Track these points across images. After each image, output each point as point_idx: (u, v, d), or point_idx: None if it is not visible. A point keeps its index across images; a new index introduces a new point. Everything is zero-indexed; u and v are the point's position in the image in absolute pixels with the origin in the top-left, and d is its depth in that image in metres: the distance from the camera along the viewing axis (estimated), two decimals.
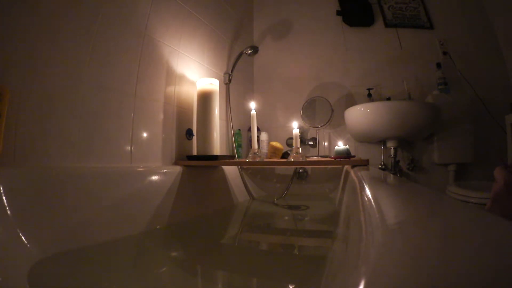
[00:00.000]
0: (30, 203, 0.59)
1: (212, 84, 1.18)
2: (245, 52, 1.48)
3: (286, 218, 1.18)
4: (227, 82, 1.49)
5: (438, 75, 1.49)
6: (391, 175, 0.81)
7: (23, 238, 0.54)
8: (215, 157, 1.11)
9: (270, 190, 1.64)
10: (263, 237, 0.92)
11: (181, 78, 1.19)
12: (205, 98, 1.16)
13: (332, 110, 1.57)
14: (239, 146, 1.58)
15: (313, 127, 1.65)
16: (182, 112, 1.18)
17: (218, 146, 1.18)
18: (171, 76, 1.13)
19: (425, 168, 1.55)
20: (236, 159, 1.32)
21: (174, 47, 1.16)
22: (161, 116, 1.07)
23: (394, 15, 1.68)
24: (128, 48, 0.95)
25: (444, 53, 1.56)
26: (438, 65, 1.51)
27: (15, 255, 0.51)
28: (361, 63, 1.71)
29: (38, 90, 0.69)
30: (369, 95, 1.60)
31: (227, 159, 1.17)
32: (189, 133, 1.21)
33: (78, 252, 0.61)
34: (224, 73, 1.52)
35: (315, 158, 1.35)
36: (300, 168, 1.65)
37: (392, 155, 1.42)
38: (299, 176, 1.66)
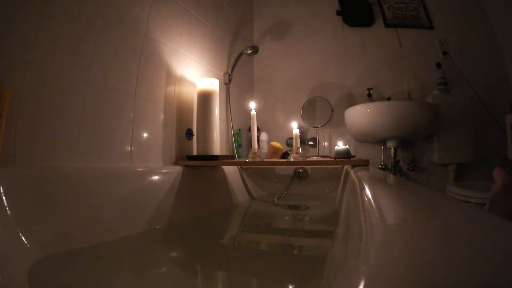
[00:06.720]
0: (30, 203, 0.59)
1: (212, 84, 1.18)
2: (245, 52, 1.48)
3: (286, 218, 1.18)
4: (227, 82, 1.49)
5: (438, 75, 1.49)
6: (391, 175, 0.81)
7: (23, 238, 0.54)
8: (215, 157, 1.11)
9: (270, 190, 1.64)
10: (263, 237, 0.92)
11: (181, 78, 1.19)
12: (205, 98, 1.16)
13: (332, 110, 1.57)
14: (239, 146, 1.58)
15: (313, 127, 1.65)
16: (182, 112, 1.18)
17: (218, 146, 1.18)
18: (171, 76, 1.13)
19: (425, 168, 1.55)
20: (236, 159, 1.32)
21: (174, 47, 1.16)
22: (161, 116, 1.07)
23: (394, 15, 1.68)
24: (128, 48, 0.95)
25: (444, 53, 1.56)
26: (438, 65, 1.51)
27: (15, 255, 0.51)
28: (361, 63, 1.71)
29: (38, 90, 0.69)
30: (369, 95, 1.60)
31: (227, 159, 1.17)
32: (189, 133, 1.21)
33: (78, 252, 0.61)
34: (224, 73, 1.52)
35: (315, 158, 1.35)
36: (300, 168, 1.65)
37: (392, 155, 1.42)
38: (299, 176, 1.66)
